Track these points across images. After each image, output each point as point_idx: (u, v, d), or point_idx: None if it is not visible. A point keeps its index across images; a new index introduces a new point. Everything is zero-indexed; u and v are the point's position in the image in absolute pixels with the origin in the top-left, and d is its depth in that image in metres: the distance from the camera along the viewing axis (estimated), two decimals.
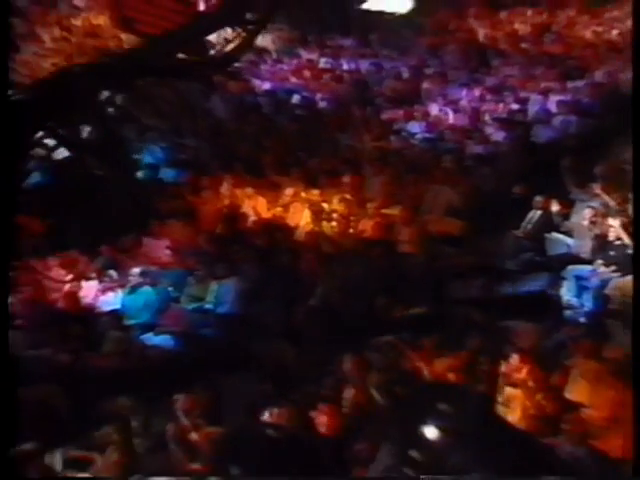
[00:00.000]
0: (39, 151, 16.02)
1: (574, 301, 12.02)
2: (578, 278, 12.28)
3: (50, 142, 16.10)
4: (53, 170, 15.95)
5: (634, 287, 8.27)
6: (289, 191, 14.54)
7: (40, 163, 15.95)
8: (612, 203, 13.56)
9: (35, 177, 15.73)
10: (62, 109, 15.06)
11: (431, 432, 6.45)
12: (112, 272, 12.74)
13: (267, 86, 19.69)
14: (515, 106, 17.45)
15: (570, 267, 12.52)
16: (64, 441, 9.39)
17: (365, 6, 9.76)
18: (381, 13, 22.54)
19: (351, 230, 13.80)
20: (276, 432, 9.15)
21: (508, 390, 9.79)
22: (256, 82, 19.98)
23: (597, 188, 13.89)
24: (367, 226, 13.67)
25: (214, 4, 16.69)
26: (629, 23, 21.33)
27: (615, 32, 20.90)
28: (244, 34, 17.89)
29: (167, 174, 16.21)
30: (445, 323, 11.23)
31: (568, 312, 11.96)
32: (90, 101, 15.95)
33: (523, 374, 9.93)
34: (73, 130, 16.29)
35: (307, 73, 20.17)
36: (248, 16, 18.07)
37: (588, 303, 11.87)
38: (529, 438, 8.33)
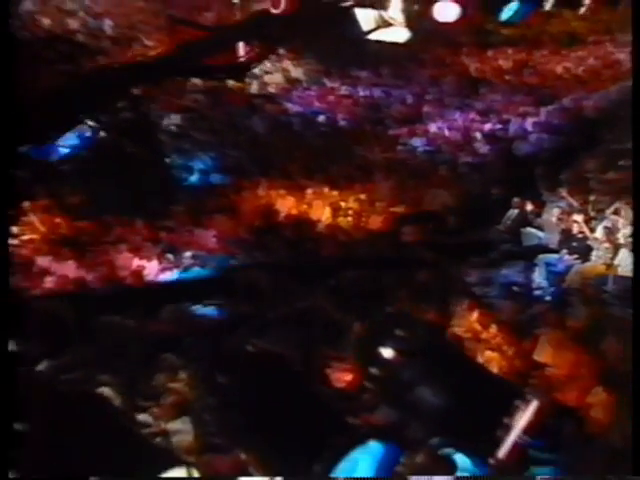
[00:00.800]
0: None
1: (544, 283, 12.29)
2: (547, 264, 12.62)
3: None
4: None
5: (633, 285, 7.49)
6: (313, 192, 14.87)
7: None
8: (575, 204, 13.90)
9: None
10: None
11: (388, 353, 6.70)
12: (170, 255, 12.90)
13: (297, 108, 19.85)
14: (498, 126, 17.89)
15: (541, 256, 12.90)
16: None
17: (371, 37, 9.93)
18: (391, 49, 22.76)
19: (363, 224, 14.11)
20: None
21: (487, 353, 10.11)
22: (288, 105, 20.13)
23: (563, 192, 14.25)
24: (376, 221, 13.95)
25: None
26: (592, 61, 21.80)
27: (581, 68, 21.55)
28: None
29: (215, 178, 16.42)
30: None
31: (538, 292, 12.26)
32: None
33: (499, 340, 10.30)
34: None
35: (330, 98, 20.41)
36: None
37: (555, 284, 12.20)
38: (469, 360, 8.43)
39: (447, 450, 8.39)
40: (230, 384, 8.70)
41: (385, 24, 10.01)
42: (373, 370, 6.88)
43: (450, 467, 8.07)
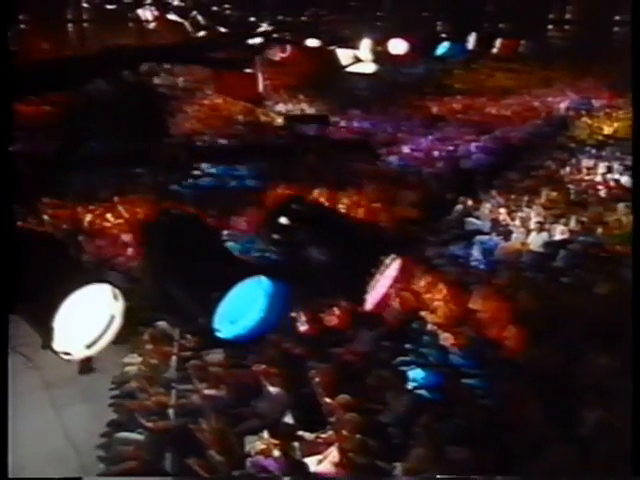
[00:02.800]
0: None
1: (479, 256, 12.10)
2: (482, 243, 12.37)
3: None
4: None
5: (633, 283, 7.29)
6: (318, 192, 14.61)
7: None
8: (501, 201, 13.80)
9: None
10: None
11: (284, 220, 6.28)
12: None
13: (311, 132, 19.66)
14: (451, 148, 17.57)
15: (477, 237, 12.57)
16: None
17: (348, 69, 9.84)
18: (378, 95, 22.97)
19: (359, 213, 13.75)
20: None
21: (435, 303, 10.03)
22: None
23: (494, 193, 14.14)
24: (361, 213, 13.78)
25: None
26: (516, 107, 22.09)
27: (509, 111, 21.83)
28: None
29: (250, 182, 16.08)
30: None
31: (475, 262, 11.99)
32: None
33: (445, 294, 10.20)
34: None
35: (332, 128, 20.27)
36: None
37: (487, 257, 12.02)
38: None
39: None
40: None
41: (358, 60, 9.91)
42: (275, 236, 6.45)
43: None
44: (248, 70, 15.26)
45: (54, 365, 9.16)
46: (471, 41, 24.62)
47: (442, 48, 23.35)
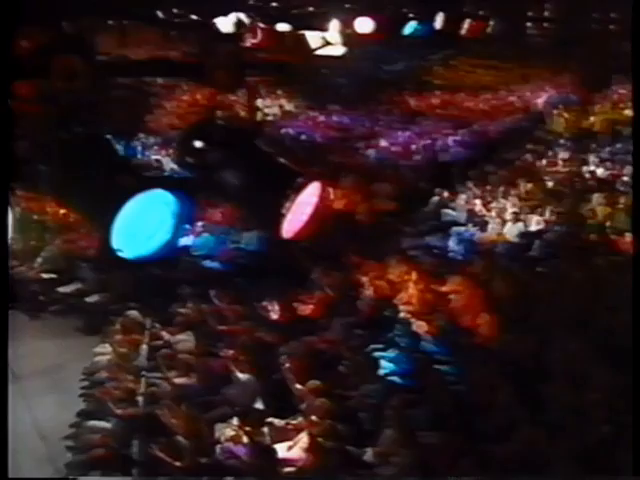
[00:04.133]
0: None
1: (455, 247, 12.09)
2: (458, 234, 12.39)
3: None
4: None
5: (633, 282, 7.29)
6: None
7: None
8: (477, 192, 13.79)
9: None
10: None
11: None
12: (187, 225, 12.46)
13: (290, 131, 19.61)
14: (428, 141, 17.52)
15: (454, 228, 12.61)
16: None
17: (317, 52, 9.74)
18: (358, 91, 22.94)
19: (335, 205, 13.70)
20: None
21: (410, 292, 9.98)
22: (282, 129, 19.91)
23: (470, 184, 14.12)
24: (340, 204, 13.73)
25: None
26: (494, 101, 22.11)
27: (486, 105, 21.91)
28: None
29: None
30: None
31: (452, 253, 12.00)
32: None
33: (418, 283, 10.16)
34: None
35: (310, 123, 20.22)
36: None
37: (463, 247, 12.01)
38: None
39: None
40: None
41: (327, 43, 9.82)
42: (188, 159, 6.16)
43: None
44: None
45: (23, 357, 9.14)
46: (439, 21, 24.50)
47: (409, 27, 23.17)
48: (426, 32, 23.98)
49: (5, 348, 6.55)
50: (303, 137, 18.76)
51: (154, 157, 17.06)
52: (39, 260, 11.30)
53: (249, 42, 14.09)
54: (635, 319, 6.54)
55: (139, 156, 17.30)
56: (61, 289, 10.87)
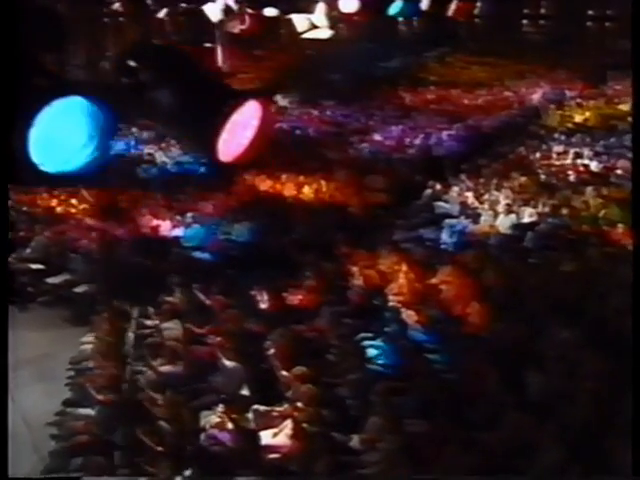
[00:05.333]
0: None
1: (448, 240, 11.99)
2: (451, 226, 12.30)
3: None
4: None
5: (634, 282, 7.01)
6: (287, 177, 14.48)
7: None
8: (470, 185, 13.72)
9: None
10: None
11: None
12: (178, 217, 12.42)
13: (284, 126, 19.54)
14: (422, 136, 17.49)
15: (447, 220, 12.52)
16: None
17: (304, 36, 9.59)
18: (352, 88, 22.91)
19: (322, 197, 13.76)
20: None
21: (400, 281, 9.90)
22: (277, 124, 19.81)
23: (463, 177, 14.06)
24: (333, 197, 13.69)
25: None
26: (488, 97, 22.11)
27: (481, 101, 21.99)
28: None
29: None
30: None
31: (444, 245, 11.90)
32: None
33: (408, 273, 10.07)
34: None
35: (305, 118, 20.17)
36: None
37: (455, 240, 11.91)
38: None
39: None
40: None
41: (314, 27, 9.74)
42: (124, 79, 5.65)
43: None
44: (207, 45, 14.81)
45: (11, 348, 9.05)
46: (425, 1, 24.36)
47: (395, 7, 22.99)
48: (411, 11, 23.81)
49: (5, 348, 6.45)
50: (297, 132, 18.76)
51: (147, 150, 17.08)
52: (28, 251, 11.23)
53: (237, 28, 13.90)
54: (635, 319, 6.37)
55: (132, 150, 17.33)
56: (50, 280, 10.81)
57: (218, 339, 7.88)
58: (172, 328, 8.33)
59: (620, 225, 11.41)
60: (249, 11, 12.98)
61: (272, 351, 7.67)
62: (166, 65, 5.04)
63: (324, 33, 9.52)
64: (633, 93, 10.07)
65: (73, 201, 13.15)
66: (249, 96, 4.89)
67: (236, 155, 5.19)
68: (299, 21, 9.38)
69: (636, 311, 6.44)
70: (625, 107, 19.76)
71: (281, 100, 22.19)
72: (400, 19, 32.04)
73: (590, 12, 30.41)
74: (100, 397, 7.05)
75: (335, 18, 10.91)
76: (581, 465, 6.39)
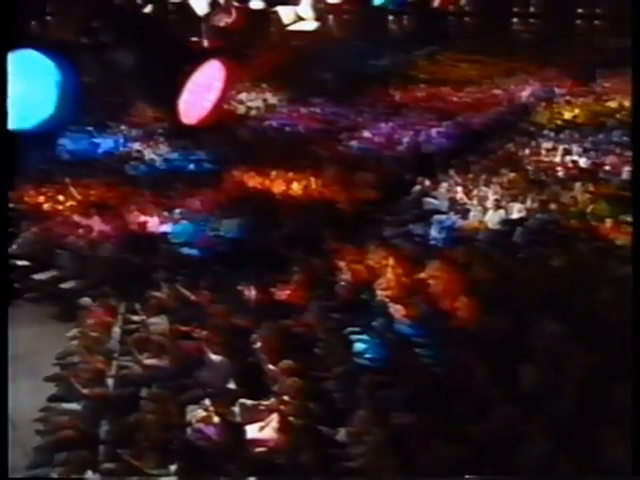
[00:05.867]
0: None
1: (437, 236, 11.97)
2: (440, 222, 12.29)
3: None
4: None
5: (634, 282, 6.95)
6: (276, 174, 14.44)
7: None
8: (459, 180, 13.72)
9: None
10: None
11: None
12: (165, 213, 12.40)
13: (273, 123, 19.57)
14: (411, 133, 17.51)
15: (436, 216, 12.51)
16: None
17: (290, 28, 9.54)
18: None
19: (310, 193, 13.75)
20: None
21: (388, 275, 9.88)
22: (266, 121, 19.87)
23: (452, 172, 14.06)
24: (326, 192, 13.66)
25: None
26: (478, 94, 22.13)
27: (471, 98, 22.00)
28: None
29: (207, 166, 15.91)
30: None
31: (433, 241, 11.89)
32: None
33: (397, 268, 10.05)
34: None
35: (295, 115, 20.17)
36: None
37: (444, 236, 11.88)
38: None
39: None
40: None
41: (300, 19, 9.73)
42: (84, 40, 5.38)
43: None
44: (194, 39, 14.76)
45: None
46: None
47: None
48: (398, 3, 23.79)
49: (5, 349, 6.38)
50: (286, 128, 18.77)
51: (135, 147, 17.05)
52: (14, 247, 11.16)
53: (224, 22, 13.86)
54: (635, 320, 6.34)
55: (121, 148, 17.30)
56: (36, 276, 10.75)
57: (204, 333, 7.81)
58: (159, 323, 8.27)
59: (608, 220, 11.44)
60: (235, 4, 12.93)
61: (259, 345, 7.61)
62: (127, 26, 4.92)
63: (310, 25, 9.50)
64: (633, 91, 10.06)
65: (60, 197, 13.10)
66: (211, 56, 4.75)
67: (199, 118, 5.05)
68: (285, 13, 9.36)
69: (636, 311, 6.37)
70: (613, 104, 19.89)
71: (271, 98, 22.25)
72: (390, 17, 32.15)
73: (579, 10, 30.50)
74: (85, 391, 6.98)
75: (321, 10, 10.87)
76: (569, 457, 6.36)
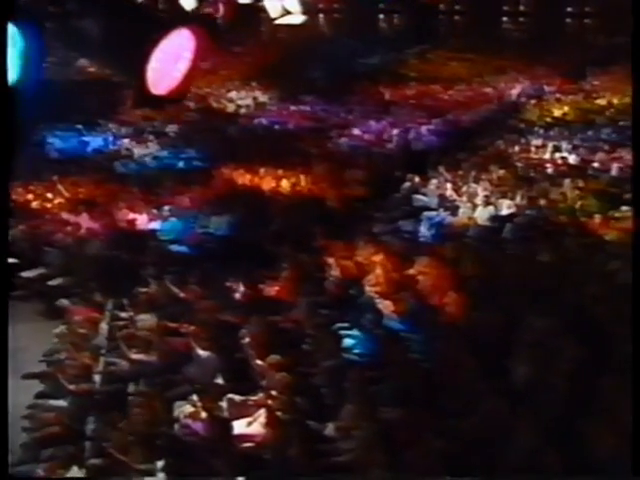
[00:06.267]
0: None
1: (427, 232, 11.95)
2: (429, 219, 12.27)
3: None
4: None
5: (633, 281, 6.82)
6: (265, 171, 14.40)
7: None
8: (449, 177, 13.73)
9: None
10: None
11: None
12: (154, 210, 12.36)
13: (263, 121, 19.56)
14: (399, 130, 17.59)
15: (425, 213, 12.50)
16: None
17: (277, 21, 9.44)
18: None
19: (299, 190, 13.74)
20: None
21: (377, 271, 9.84)
22: (256, 119, 19.85)
23: (442, 169, 14.06)
24: (315, 189, 13.65)
25: None
26: (468, 92, 22.15)
27: (461, 96, 22.12)
28: None
29: (197, 163, 15.89)
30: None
31: (423, 238, 11.89)
32: None
33: (384, 263, 10.02)
34: None
35: (284, 113, 20.17)
36: None
37: (433, 232, 11.87)
38: None
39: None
40: None
41: (287, 12, 9.70)
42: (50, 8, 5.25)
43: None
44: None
45: None
46: None
47: None
48: None
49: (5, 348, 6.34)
50: (276, 126, 18.77)
51: (125, 145, 17.01)
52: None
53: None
54: (635, 320, 6.31)
55: (110, 146, 17.26)
56: (24, 274, 10.68)
57: (192, 328, 7.77)
58: (146, 319, 8.23)
59: (597, 216, 11.47)
60: None
61: (247, 340, 7.58)
62: None
63: (297, 19, 9.42)
64: (633, 91, 10.07)
65: (49, 195, 13.04)
66: (180, 24, 4.64)
67: (169, 88, 4.93)
68: (272, 7, 9.30)
69: (636, 310, 6.35)
70: (603, 102, 19.95)
71: (261, 96, 22.24)
72: (381, 16, 32.18)
73: (569, 9, 30.58)
74: (72, 387, 6.93)
75: (308, 3, 10.82)
76: (557, 452, 6.35)
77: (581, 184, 13.01)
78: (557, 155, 15.14)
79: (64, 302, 8.82)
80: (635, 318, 6.22)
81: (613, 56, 25.18)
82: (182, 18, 7.20)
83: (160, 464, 6.22)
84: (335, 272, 9.83)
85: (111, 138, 17.69)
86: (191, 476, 6.19)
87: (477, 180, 13.38)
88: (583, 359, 7.42)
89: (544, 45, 27.23)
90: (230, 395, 6.94)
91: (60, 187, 13.10)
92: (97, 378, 7.39)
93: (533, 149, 15.71)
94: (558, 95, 21.25)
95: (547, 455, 6.31)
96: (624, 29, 27.86)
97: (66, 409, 6.81)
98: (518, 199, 12.55)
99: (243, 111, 20.74)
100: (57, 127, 17.35)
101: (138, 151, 16.51)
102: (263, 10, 10.52)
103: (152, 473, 6.09)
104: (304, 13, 9.84)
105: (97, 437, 6.38)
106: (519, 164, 14.68)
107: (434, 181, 13.53)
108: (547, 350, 7.70)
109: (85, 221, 11.84)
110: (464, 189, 13.12)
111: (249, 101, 21.64)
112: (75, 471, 5.95)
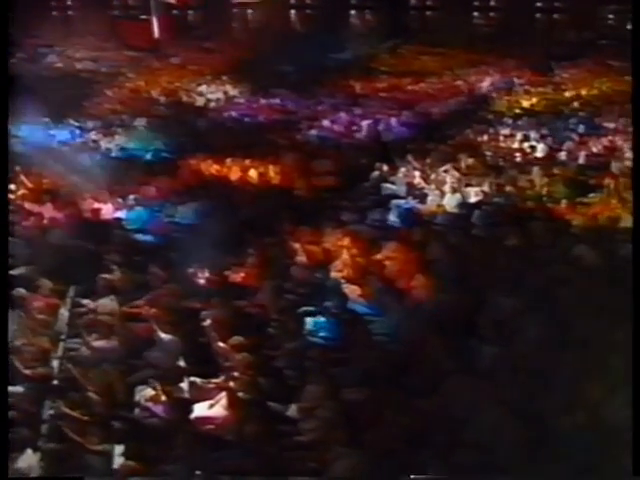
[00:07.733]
0: None
1: (396, 220, 11.89)
2: (398, 207, 12.22)
3: None
4: None
5: (633, 281, 6.62)
6: (232, 161, 14.24)
7: None
8: (417, 165, 13.72)
9: None
10: None
11: None
12: (120, 199, 12.14)
13: (233, 114, 19.43)
14: (369, 122, 17.53)
15: (394, 201, 12.46)
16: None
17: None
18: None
19: (268, 180, 13.63)
20: None
21: (344, 257, 9.78)
22: (227, 112, 19.72)
23: (410, 158, 14.05)
24: (279, 180, 13.56)
25: None
26: (438, 85, 22.20)
27: (431, 89, 22.15)
28: None
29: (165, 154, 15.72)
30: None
31: (392, 224, 11.83)
32: None
33: (352, 248, 9.97)
34: None
35: (254, 106, 20.07)
36: None
37: (402, 219, 11.81)
38: None
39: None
40: None
41: None
42: None
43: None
44: (143, 17, 14.35)
45: None
46: None
47: None
48: None
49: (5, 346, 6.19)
50: (246, 119, 18.67)
51: (92, 138, 16.79)
52: None
53: None
54: (635, 320, 6.29)
55: (77, 139, 17.02)
56: None
57: (153, 311, 7.67)
58: (107, 304, 8.09)
59: (564, 201, 11.55)
60: None
61: (208, 322, 7.48)
62: None
63: None
64: (633, 87, 10.11)
65: (11, 186, 12.78)
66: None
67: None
68: None
69: (636, 310, 6.33)
70: (570, 94, 20.14)
71: (231, 90, 22.10)
72: (353, 12, 32.17)
73: (538, 4, 30.80)
74: (27, 372, 6.79)
75: None
76: (520, 428, 6.35)
77: (549, 171, 13.06)
78: (526, 144, 15.21)
79: (21, 291, 8.58)
80: (635, 318, 6.16)
81: (581, 50, 25.56)
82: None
83: (120, 448, 6.11)
84: (301, 258, 9.76)
85: (78, 131, 17.44)
86: (151, 459, 6.07)
87: (445, 168, 13.37)
88: (547, 338, 7.48)
89: (514, 39, 27.37)
90: (192, 378, 6.85)
91: (23, 178, 12.85)
92: (55, 363, 7.23)
93: (502, 138, 15.77)
94: (527, 87, 21.39)
95: (510, 432, 6.33)
96: (592, 24, 28.48)
97: (22, 394, 6.64)
98: (486, 187, 12.57)
99: (213, 105, 20.54)
100: (24, 121, 17.08)
101: (104, 144, 16.29)
102: None
103: (109, 455, 5.98)
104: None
105: (54, 420, 6.23)
106: (488, 153, 14.72)
107: (402, 169, 13.50)
108: (512, 330, 7.74)
109: (49, 211, 11.63)
110: (432, 177, 13.10)
111: (220, 95, 21.49)
112: (29, 453, 5.82)
